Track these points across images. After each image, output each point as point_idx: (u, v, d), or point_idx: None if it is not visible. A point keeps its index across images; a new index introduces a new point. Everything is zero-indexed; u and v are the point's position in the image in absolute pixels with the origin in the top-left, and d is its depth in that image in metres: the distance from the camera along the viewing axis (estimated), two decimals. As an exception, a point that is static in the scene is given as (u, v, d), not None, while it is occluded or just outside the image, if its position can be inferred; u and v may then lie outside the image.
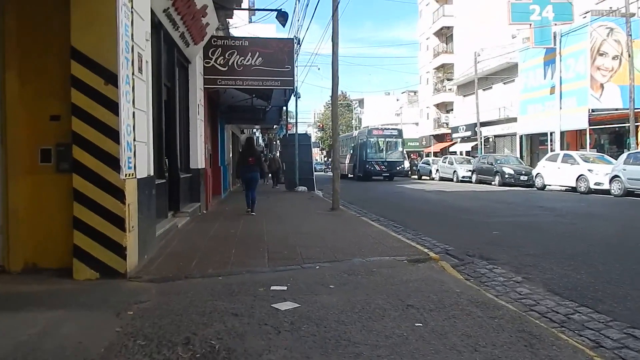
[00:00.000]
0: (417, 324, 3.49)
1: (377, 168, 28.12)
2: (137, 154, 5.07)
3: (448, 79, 41.51)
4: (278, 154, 28.36)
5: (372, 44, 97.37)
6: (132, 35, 4.98)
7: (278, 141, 34.06)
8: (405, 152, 31.67)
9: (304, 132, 23.73)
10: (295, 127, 19.78)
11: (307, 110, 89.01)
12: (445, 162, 28.99)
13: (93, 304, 3.94)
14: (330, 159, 66.17)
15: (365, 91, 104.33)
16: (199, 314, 3.66)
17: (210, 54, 11.24)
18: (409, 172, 33.38)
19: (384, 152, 28.62)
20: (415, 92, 61.69)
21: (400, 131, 30.44)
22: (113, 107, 4.60)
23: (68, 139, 4.61)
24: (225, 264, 5.33)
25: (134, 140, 5.00)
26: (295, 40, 13.03)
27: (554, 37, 22.79)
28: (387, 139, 28.86)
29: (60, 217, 4.70)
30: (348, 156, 31.97)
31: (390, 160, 28.40)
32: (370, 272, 5.14)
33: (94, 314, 3.70)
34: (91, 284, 4.45)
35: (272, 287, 4.44)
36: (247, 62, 11.42)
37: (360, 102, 77.10)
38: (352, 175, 30.49)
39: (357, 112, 76.08)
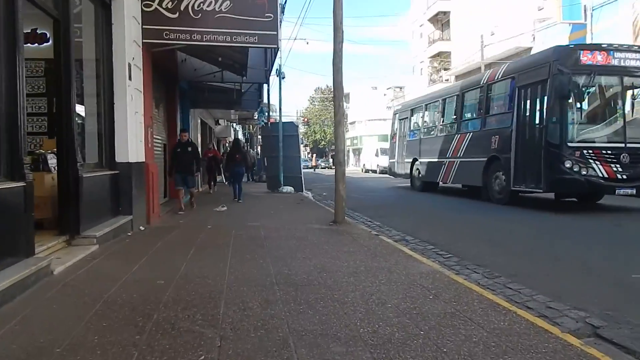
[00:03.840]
0: None
1: (603, 171, 9.09)
2: None
3: (445, 69, 38.11)
4: (259, 149, 24.65)
5: (354, 41, 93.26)
6: None
7: (260, 136, 29.41)
8: None
9: (290, 121, 19.39)
10: (279, 114, 15.97)
11: (288, 104, 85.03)
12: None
13: None
14: (320, 157, 60.64)
15: (352, 78, 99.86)
16: None
17: (153, -6, 7.54)
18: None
19: (624, 119, 9.57)
20: (401, 88, 58.21)
21: None
22: None
23: None
24: None
25: None
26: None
27: (584, 11, 19.44)
28: (635, 79, 9.70)
29: None
30: (455, 139, 13.12)
31: None
32: None
33: None
34: None
35: None
36: (207, 6, 7.71)
37: (346, 96, 73.17)
38: (498, 188, 11.02)
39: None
